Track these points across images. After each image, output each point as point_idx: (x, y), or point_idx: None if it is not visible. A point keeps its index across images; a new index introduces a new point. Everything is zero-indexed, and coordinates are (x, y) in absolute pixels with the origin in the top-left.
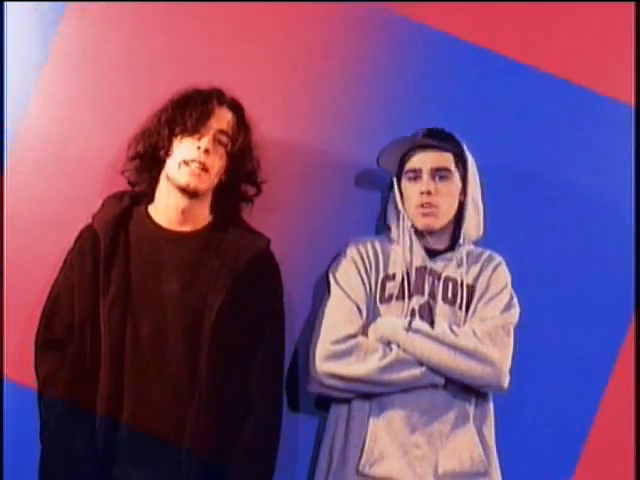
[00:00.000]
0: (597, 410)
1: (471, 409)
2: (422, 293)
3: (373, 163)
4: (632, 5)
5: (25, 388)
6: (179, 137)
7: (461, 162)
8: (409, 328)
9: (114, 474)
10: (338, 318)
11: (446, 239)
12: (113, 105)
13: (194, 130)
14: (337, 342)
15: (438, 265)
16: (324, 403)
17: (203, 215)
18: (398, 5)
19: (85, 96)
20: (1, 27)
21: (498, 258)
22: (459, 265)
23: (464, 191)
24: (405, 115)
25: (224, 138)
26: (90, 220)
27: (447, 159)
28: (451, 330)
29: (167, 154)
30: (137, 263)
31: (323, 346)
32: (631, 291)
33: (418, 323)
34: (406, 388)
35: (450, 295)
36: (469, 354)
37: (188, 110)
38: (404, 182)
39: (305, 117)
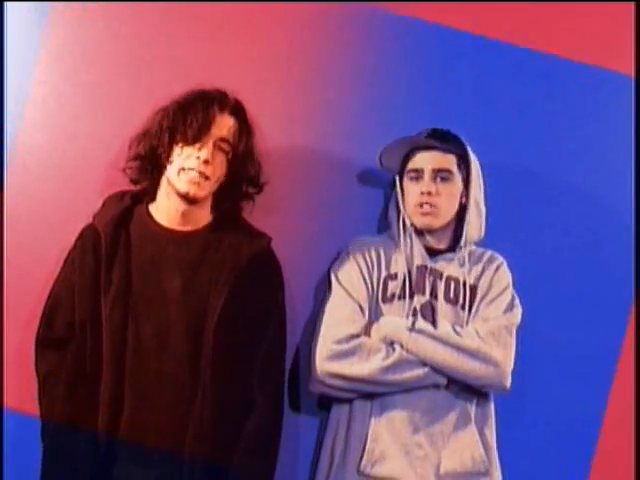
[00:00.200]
0: (598, 411)
1: (472, 409)
2: (423, 292)
3: (374, 162)
4: (632, 5)
5: (26, 416)
6: (180, 144)
7: (464, 164)
8: (412, 328)
9: (115, 474)
10: (340, 317)
11: (447, 239)
12: (113, 104)
13: (194, 140)
14: (340, 342)
15: (439, 265)
16: (325, 403)
17: (204, 216)
18: (398, 5)
19: (85, 95)
20: (1, 27)
21: (500, 258)
22: (461, 265)
23: (467, 193)
24: (405, 115)
25: (225, 145)
26: (91, 220)
27: (449, 160)
28: (454, 330)
29: (167, 159)
30: (138, 262)
31: (325, 345)
32: (631, 291)
33: (421, 323)
34: (408, 388)
35: (452, 295)
36: (472, 354)
37: (189, 118)
38: (405, 181)
39: (306, 117)
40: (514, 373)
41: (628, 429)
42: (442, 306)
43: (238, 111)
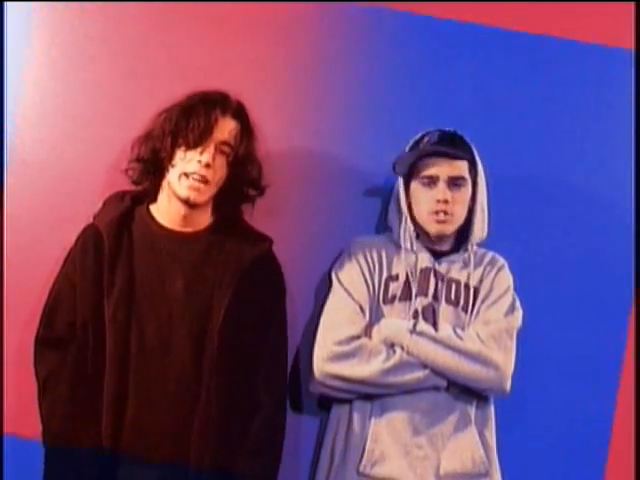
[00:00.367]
0: (601, 413)
1: (472, 411)
2: (426, 294)
3: (374, 163)
4: (632, 5)
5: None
6: (182, 148)
7: (474, 168)
8: (413, 330)
9: (119, 475)
10: (341, 319)
11: (450, 241)
12: (114, 105)
13: (196, 144)
14: (340, 343)
15: (442, 267)
16: (326, 403)
17: (204, 218)
18: (398, 5)
19: (85, 95)
20: (1, 27)
21: (501, 260)
22: (463, 267)
23: (474, 197)
24: (405, 115)
25: (226, 148)
26: (91, 220)
27: (462, 168)
28: (455, 333)
29: (169, 162)
30: (141, 263)
31: (326, 347)
32: (631, 291)
33: (422, 326)
34: (408, 390)
35: (453, 297)
36: (473, 357)
37: (192, 122)
38: (416, 186)
39: (306, 119)
40: (514, 374)
41: (628, 429)
42: (443, 308)
43: (240, 114)
